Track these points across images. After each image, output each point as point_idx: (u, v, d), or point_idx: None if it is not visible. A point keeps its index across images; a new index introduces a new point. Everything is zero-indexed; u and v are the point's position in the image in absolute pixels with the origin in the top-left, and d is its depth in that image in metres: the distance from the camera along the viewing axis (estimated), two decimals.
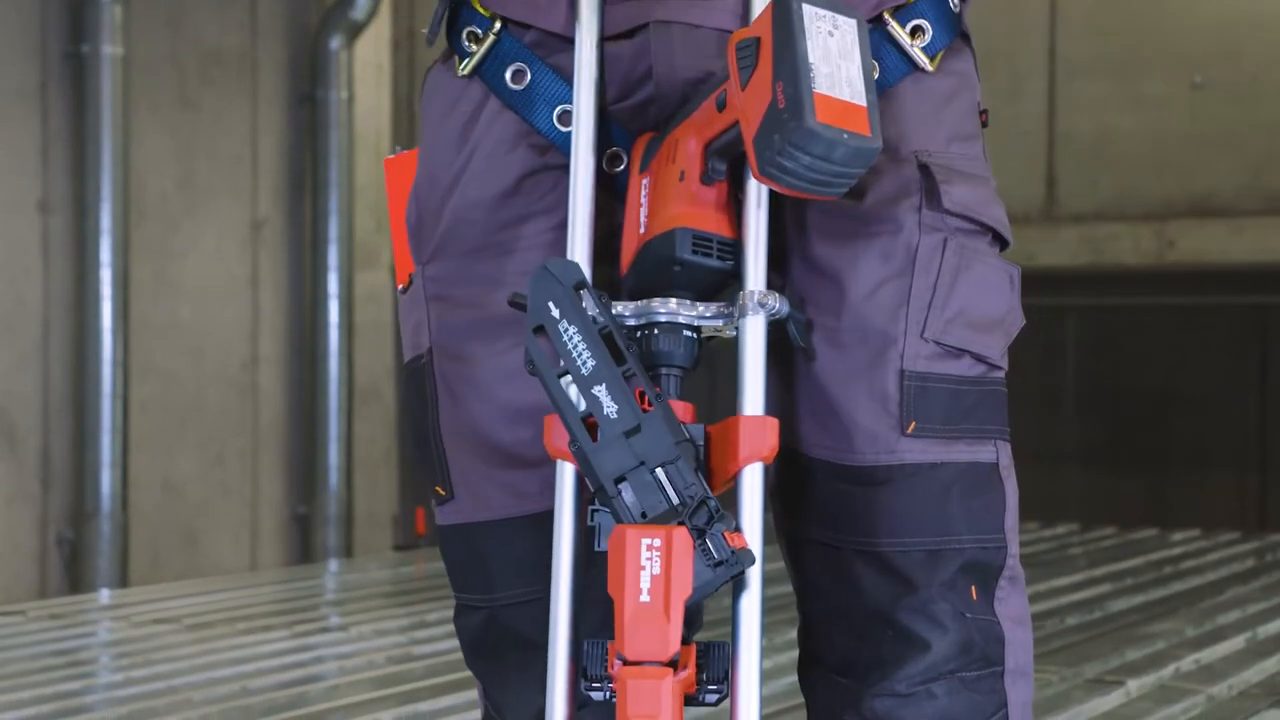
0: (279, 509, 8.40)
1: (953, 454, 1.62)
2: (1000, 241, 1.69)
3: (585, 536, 1.55)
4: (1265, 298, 8.16)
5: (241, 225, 8.15)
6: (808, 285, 1.64)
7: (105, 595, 6.93)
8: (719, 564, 1.47)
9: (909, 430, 1.61)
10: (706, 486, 1.48)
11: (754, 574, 1.51)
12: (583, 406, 1.50)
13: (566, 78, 1.66)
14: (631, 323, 1.57)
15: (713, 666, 1.48)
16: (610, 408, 1.48)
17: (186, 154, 7.90)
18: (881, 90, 1.65)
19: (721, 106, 1.55)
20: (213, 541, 8.02)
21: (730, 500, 1.55)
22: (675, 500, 1.47)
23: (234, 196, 8.11)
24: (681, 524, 1.46)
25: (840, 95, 1.46)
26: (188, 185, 7.91)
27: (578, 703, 1.54)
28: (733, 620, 1.51)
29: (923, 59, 1.67)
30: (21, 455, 7.24)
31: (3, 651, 5.47)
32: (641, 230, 1.59)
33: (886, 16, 1.66)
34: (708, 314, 1.57)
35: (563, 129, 1.66)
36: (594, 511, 1.52)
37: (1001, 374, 1.67)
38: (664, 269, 1.57)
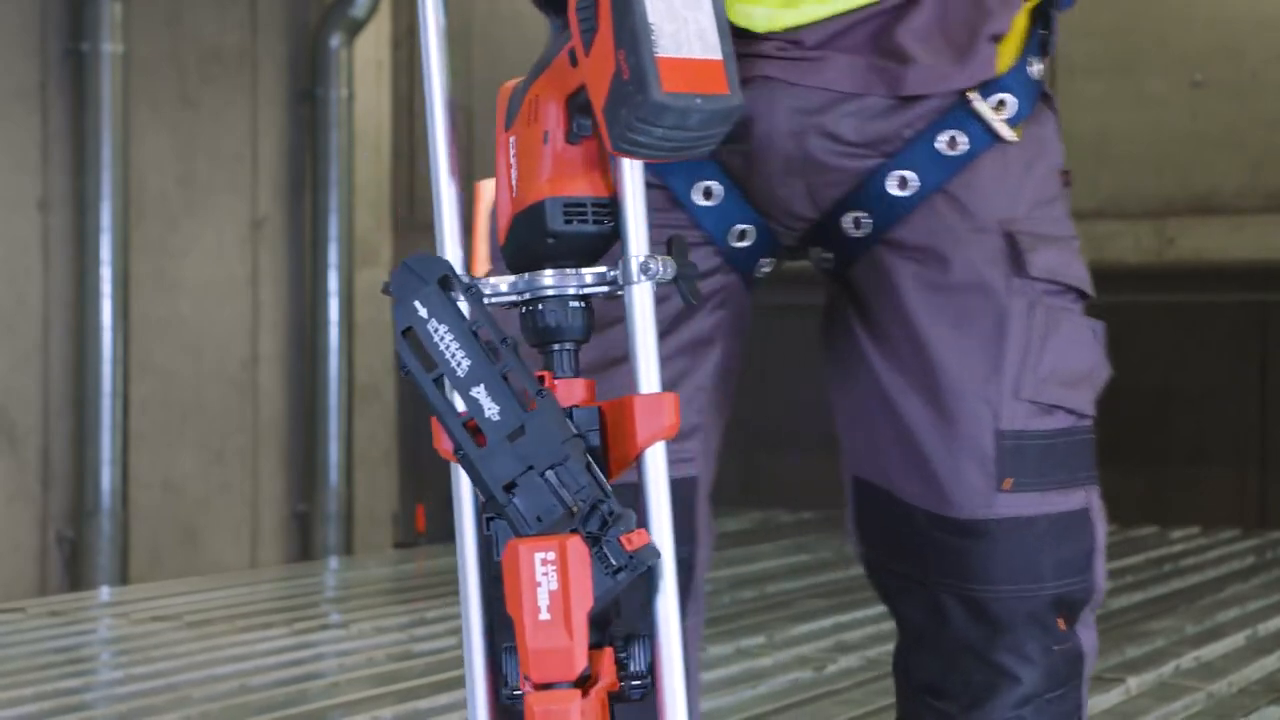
0: (279, 507, 8.40)
1: (1046, 505, 1.69)
2: (1084, 297, 1.76)
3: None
4: (1265, 295, 8.15)
5: (241, 223, 8.15)
6: (903, 351, 1.71)
7: (105, 593, 6.93)
8: (618, 570, 1.39)
9: (1005, 487, 1.68)
10: (601, 483, 1.40)
11: (666, 565, 1.44)
12: (464, 410, 1.41)
13: None
14: (513, 299, 1.48)
15: (635, 661, 1.43)
16: (491, 410, 1.39)
17: (186, 152, 7.90)
18: (964, 162, 1.70)
19: (575, 62, 1.45)
20: (213, 539, 8.02)
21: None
22: (569, 503, 1.39)
23: (234, 194, 8.11)
24: (575, 531, 1.39)
25: (690, 54, 1.37)
26: (188, 183, 7.91)
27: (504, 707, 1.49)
28: (649, 614, 1.45)
29: (1007, 131, 1.72)
30: (21, 453, 7.24)
31: (3, 649, 5.47)
32: (513, 196, 1.50)
33: (971, 95, 1.71)
34: (589, 282, 1.47)
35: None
36: (489, 520, 1.43)
37: (1090, 422, 1.74)
38: (538, 243, 1.47)
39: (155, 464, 7.72)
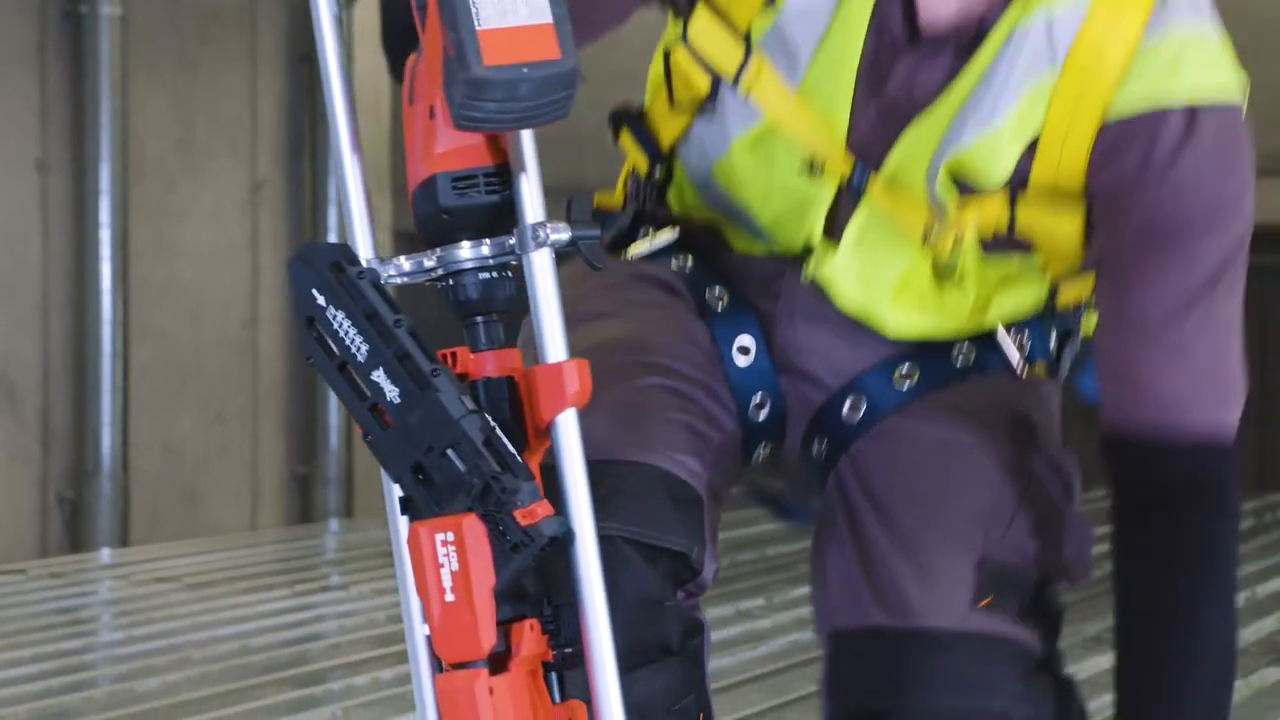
0: (279, 469, 8.40)
1: (1021, 635, 1.69)
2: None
3: None
4: (1265, 258, 8.12)
5: (241, 186, 8.14)
6: (901, 486, 1.73)
7: (106, 554, 6.95)
8: (515, 546, 1.37)
9: (982, 605, 1.68)
10: (503, 457, 1.38)
11: (583, 529, 1.42)
12: (368, 395, 1.40)
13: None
14: (422, 279, 1.46)
15: (564, 629, 1.42)
16: (391, 392, 1.38)
17: (185, 114, 7.88)
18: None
19: None
20: (213, 501, 8.03)
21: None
22: (463, 482, 1.37)
23: (233, 157, 8.09)
24: (471, 510, 1.37)
25: (516, 21, 1.34)
26: (187, 146, 7.90)
27: None
28: (571, 582, 1.43)
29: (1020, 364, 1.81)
30: (21, 415, 7.24)
31: (3, 610, 5.49)
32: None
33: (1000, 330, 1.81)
34: (486, 253, 1.43)
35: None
36: (403, 503, 1.42)
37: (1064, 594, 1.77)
38: (435, 219, 1.44)
39: (155, 426, 7.73)
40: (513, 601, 1.41)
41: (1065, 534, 1.74)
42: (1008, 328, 1.81)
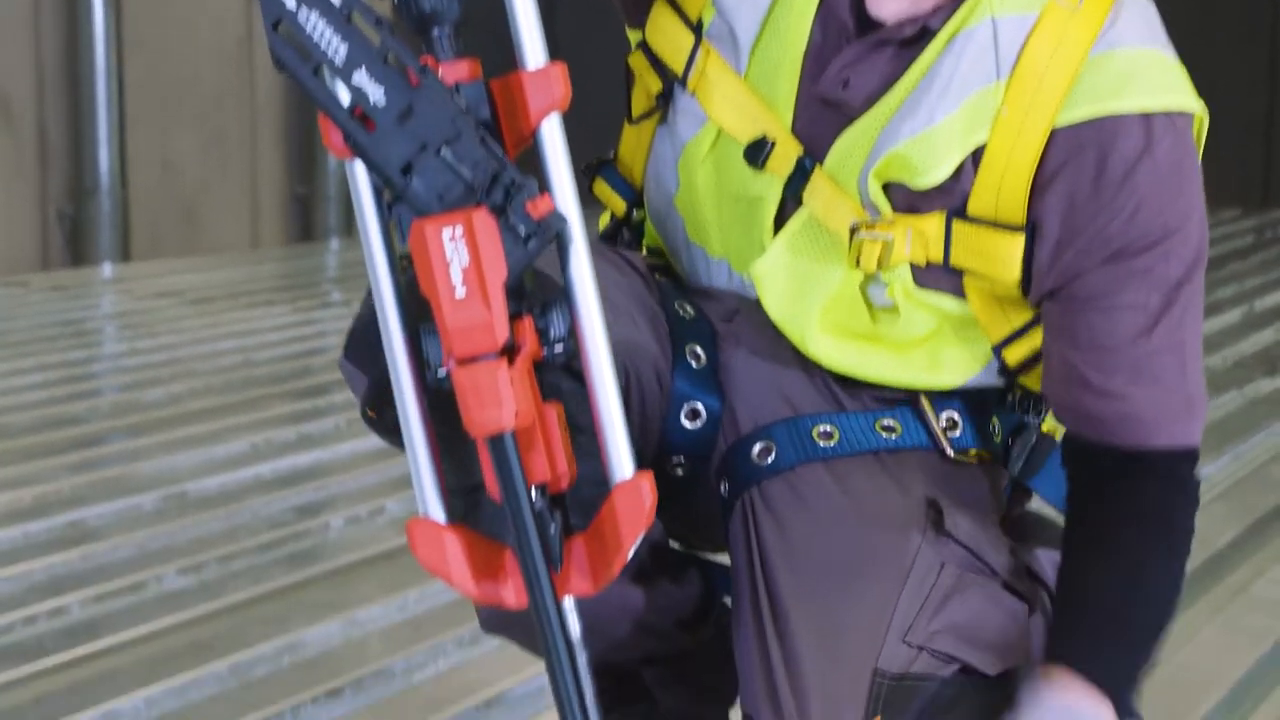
0: (279, 188, 8.37)
1: None
2: (1008, 588, 1.70)
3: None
4: None
5: None
6: (802, 580, 1.64)
7: (107, 269, 6.96)
8: (528, 238, 1.38)
9: None
10: (500, 155, 1.37)
11: (575, 230, 1.43)
12: (348, 99, 1.37)
13: None
14: None
15: (555, 327, 1.42)
16: (376, 93, 1.35)
17: None
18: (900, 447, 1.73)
19: None
20: (213, 220, 8.01)
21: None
22: (468, 178, 1.37)
23: None
24: (480, 204, 1.37)
25: None
26: None
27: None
28: (565, 279, 1.45)
29: (945, 446, 1.74)
30: (18, 131, 7.19)
31: (7, 321, 5.52)
32: None
33: (923, 401, 1.74)
34: None
35: None
36: (390, 206, 1.39)
37: (998, 684, 1.65)
38: None
39: (152, 143, 7.67)
40: (511, 299, 1.40)
41: (983, 620, 1.66)
42: (939, 407, 1.74)
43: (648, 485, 1.46)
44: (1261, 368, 4.74)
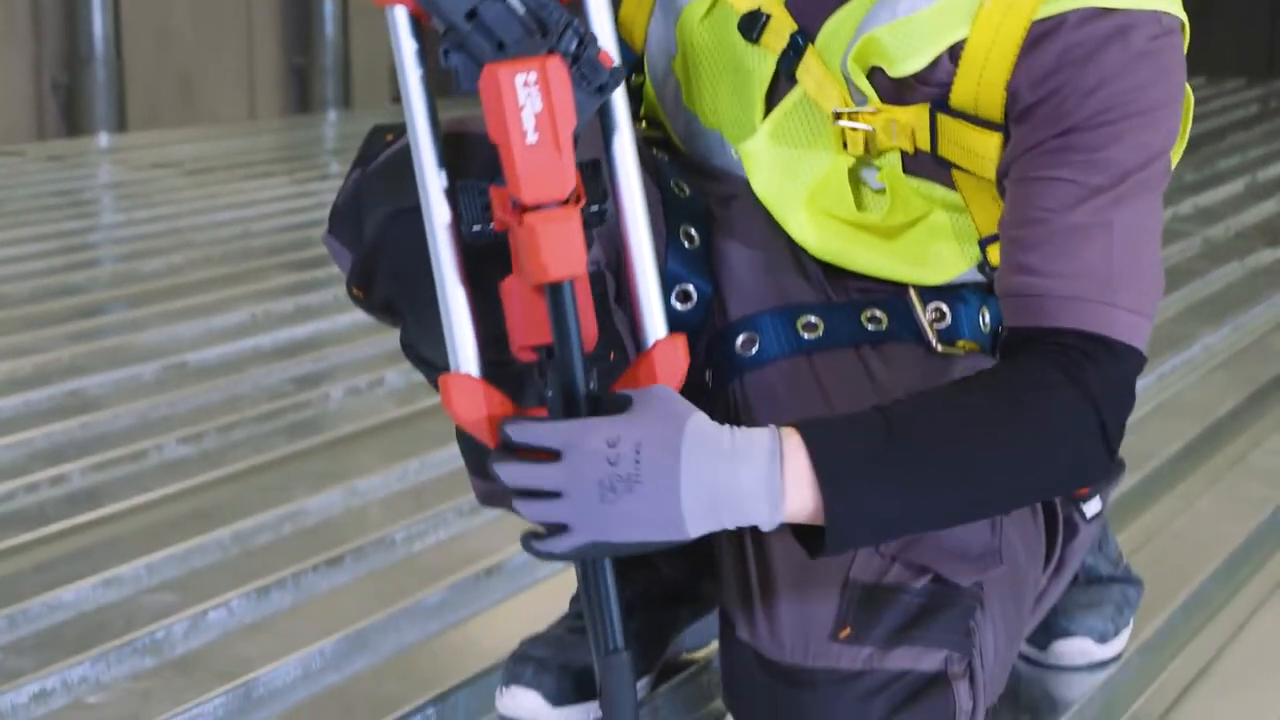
0: (276, 60, 8.31)
1: (887, 661, 1.56)
2: None
3: (434, 80, 1.47)
4: None
5: None
6: None
7: (104, 139, 6.92)
8: (599, 88, 1.41)
9: (842, 635, 1.56)
10: (557, 6, 1.40)
11: (618, 91, 1.48)
12: None
13: None
14: None
15: (591, 187, 1.44)
16: None
17: None
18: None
19: None
20: (210, 91, 7.96)
21: None
22: (532, 26, 1.39)
23: None
24: (552, 51, 1.39)
25: None
26: None
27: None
28: (606, 141, 1.49)
29: (931, 337, 1.70)
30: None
31: (4, 191, 5.49)
32: None
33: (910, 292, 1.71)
34: None
35: None
36: (446, 52, 1.41)
37: (966, 595, 1.60)
38: None
39: (148, 12, 7.60)
40: None
41: (959, 529, 1.60)
42: (926, 298, 1.72)
43: (683, 345, 1.47)
44: (1263, 238, 4.73)
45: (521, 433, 1.42)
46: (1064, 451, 1.53)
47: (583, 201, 1.42)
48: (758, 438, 1.45)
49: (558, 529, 1.42)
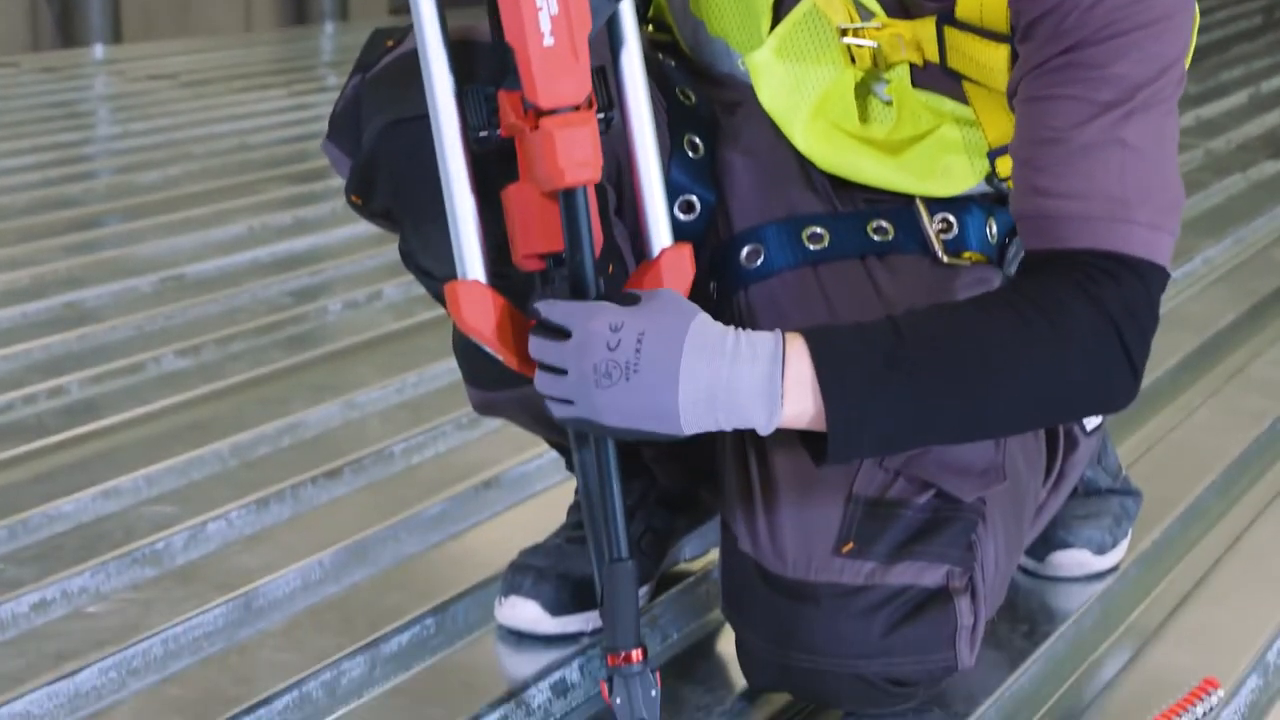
0: None
1: (889, 576, 1.55)
2: None
3: None
4: None
5: None
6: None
7: (99, 51, 6.87)
8: None
9: (844, 550, 1.55)
10: None
11: (626, 2, 1.49)
12: None
13: None
14: None
15: (599, 94, 1.44)
16: None
17: None
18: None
19: None
20: (205, 2, 7.90)
21: None
22: None
23: None
24: None
25: None
26: None
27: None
28: (614, 50, 1.50)
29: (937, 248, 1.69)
30: None
31: None
32: None
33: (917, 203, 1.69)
34: None
35: None
36: None
37: (969, 511, 1.59)
38: None
39: None
40: None
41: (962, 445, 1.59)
42: (934, 209, 1.70)
43: (690, 254, 1.47)
44: (1266, 150, 4.71)
45: (548, 309, 1.44)
46: (1081, 371, 1.50)
47: (594, 108, 1.42)
48: (761, 340, 1.45)
49: (563, 401, 1.44)
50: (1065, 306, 1.49)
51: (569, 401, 1.43)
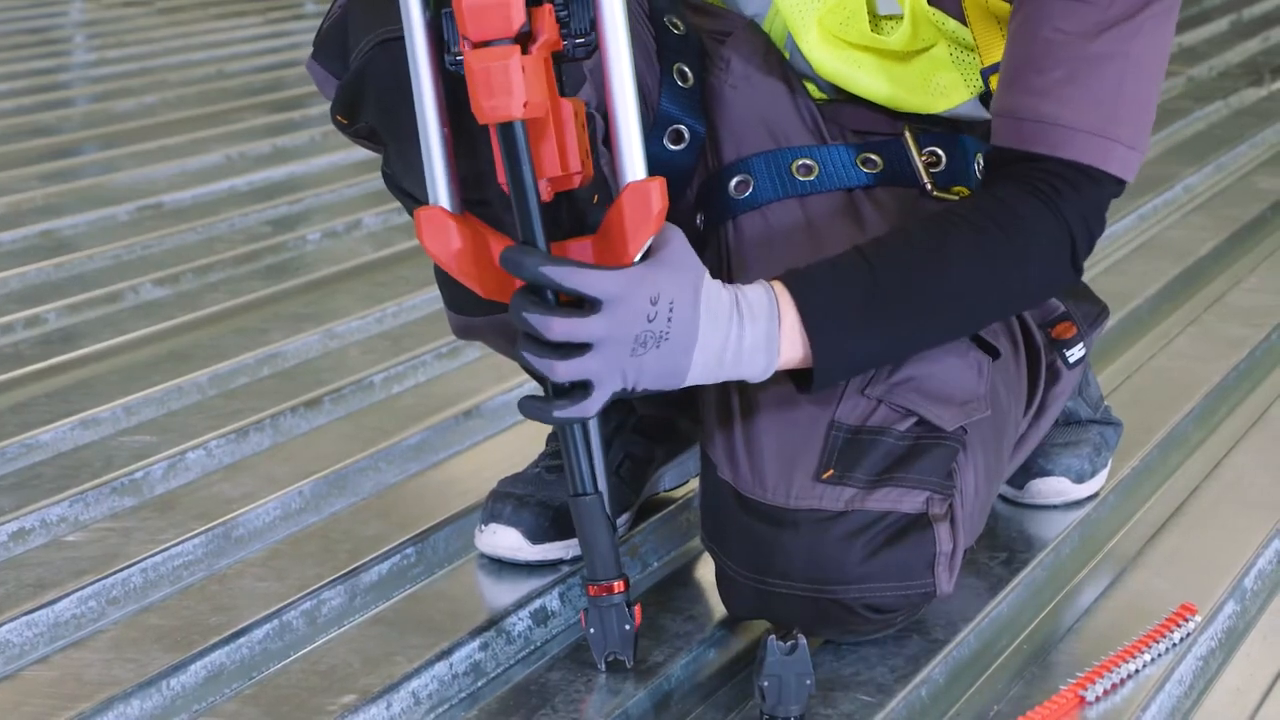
0: None
1: (869, 502, 1.55)
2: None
3: None
4: None
5: None
6: None
7: None
8: None
9: (824, 476, 1.55)
10: None
11: None
12: None
13: None
14: None
15: (576, 20, 1.42)
16: None
17: None
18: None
19: None
20: None
21: None
22: None
23: None
24: None
25: None
26: None
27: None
28: None
29: (925, 180, 1.69)
30: None
31: None
32: None
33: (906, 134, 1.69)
34: None
35: None
36: None
37: (950, 439, 1.59)
38: None
39: None
40: None
41: (945, 373, 1.61)
42: (923, 142, 1.70)
43: (658, 189, 1.46)
44: (1247, 77, 4.69)
45: (567, 276, 1.41)
46: (1036, 279, 1.59)
47: (544, 39, 1.39)
48: (756, 298, 1.48)
49: (579, 388, 1.43)
50: (1027, 225, 1.54)
51: (585, 385, 1.43)
